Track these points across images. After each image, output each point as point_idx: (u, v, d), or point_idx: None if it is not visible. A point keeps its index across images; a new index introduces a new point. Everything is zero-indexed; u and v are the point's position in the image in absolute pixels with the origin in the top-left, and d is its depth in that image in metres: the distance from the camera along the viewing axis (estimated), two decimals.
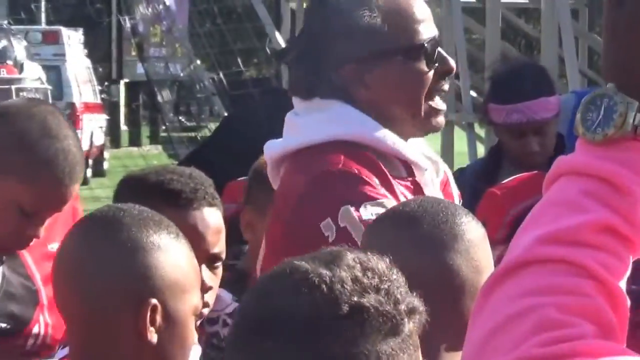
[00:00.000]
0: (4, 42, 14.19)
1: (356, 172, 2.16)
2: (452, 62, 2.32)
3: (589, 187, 1.16)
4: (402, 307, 1.18)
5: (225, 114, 10.18)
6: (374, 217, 2.03)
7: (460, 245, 1.71)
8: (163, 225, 1.71)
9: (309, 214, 2.15)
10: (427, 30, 2.28)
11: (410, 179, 2.25)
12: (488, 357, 1.13)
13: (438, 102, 2.29)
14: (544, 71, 3.89)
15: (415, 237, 1.71)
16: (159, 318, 1.64)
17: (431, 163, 2.32)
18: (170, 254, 1.69)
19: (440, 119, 2.32)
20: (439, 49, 2.29)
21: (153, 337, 1.64)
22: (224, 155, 3.31)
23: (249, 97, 11.86)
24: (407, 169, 2.26)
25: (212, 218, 2.11)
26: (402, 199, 2.16)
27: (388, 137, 2.23)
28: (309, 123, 2.25)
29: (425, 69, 2.26)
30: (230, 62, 13.06)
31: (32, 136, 2.38)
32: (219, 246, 2.13)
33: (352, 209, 2.10)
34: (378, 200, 2.12)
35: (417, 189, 2.24)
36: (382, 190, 2.15)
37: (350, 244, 1.97)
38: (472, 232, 1.74)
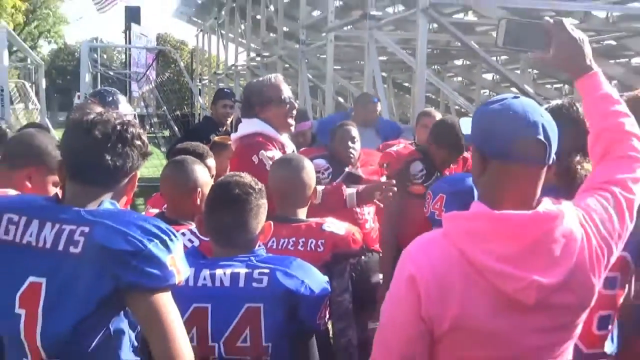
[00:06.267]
0: None
1: (265, 141, 4.44)
2: (295, 104, 4.67)
3: None
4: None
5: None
6: (270, 156, 4.30)
7: (303, 172, 3.81)
8: (197, 161, 3.87)
9: (248, 154, 4.41)
10: (285, 92, 4.63)
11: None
12: None
13: (289, 120, 4.63)
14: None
15: (286, 168, 3.83)
16: (199, 197, 3.77)
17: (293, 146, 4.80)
18: (202, 170, 3.82)
19: (291, 125, 4.66)
20: (290, 97, 4.63)
21: (200, 205, 3.71)
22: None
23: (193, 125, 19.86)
24: (282, 149, 4.58)
25: (212, 161, 4.71)
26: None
27: (275, 134, 4.60)
28: (247, 126, 4.65)
29: (282, 107, 4.62)
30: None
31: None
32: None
33: (263, 151, 4.39)
34: (272, 151, 4.39)
35: None
36: (277, 151, 4.43)
37: (261, 168, 4.22)
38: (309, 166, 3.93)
